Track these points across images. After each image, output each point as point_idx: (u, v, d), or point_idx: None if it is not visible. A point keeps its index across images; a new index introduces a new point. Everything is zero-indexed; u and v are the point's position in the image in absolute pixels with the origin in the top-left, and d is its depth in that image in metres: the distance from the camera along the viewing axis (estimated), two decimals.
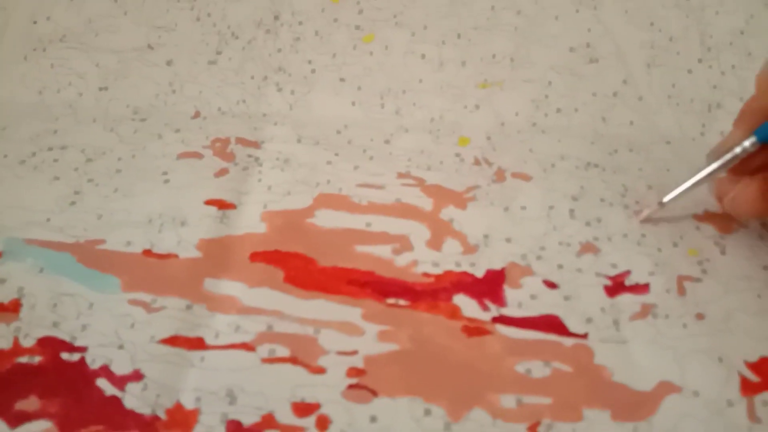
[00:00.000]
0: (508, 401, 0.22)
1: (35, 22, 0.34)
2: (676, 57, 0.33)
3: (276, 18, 0.33)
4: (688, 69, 0.32)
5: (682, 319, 0.24)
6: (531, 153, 0.30)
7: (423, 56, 0.33)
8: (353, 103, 0.32)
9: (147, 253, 0.25)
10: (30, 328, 0.23)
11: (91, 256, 0.25)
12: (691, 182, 0.26)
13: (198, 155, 0.29)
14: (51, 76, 0.32)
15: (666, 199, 0.26)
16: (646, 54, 0.33)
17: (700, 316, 0.24)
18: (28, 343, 0.22)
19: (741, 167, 0.25)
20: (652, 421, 0.21)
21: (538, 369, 0.22)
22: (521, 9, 0.33)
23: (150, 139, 0.30)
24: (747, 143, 0.24)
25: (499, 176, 0.29)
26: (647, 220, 0.27)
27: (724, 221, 0.27)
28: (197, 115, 0.31)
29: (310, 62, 0.33)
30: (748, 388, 0.22)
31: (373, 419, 0.21)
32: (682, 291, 0.25)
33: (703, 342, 0.23)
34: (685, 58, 0.33)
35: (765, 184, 0.24)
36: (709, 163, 0.25)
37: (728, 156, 0.25)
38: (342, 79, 0.32)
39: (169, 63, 0.33)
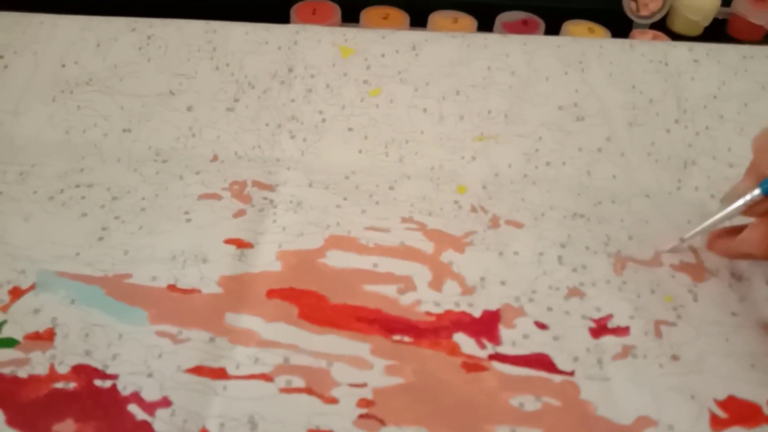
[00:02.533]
0: None
1: (64, 66, 0.36)
2: (655, 117, 0.36)
3: (290, 70, 0.36)
4: (666, 129, 0.35)
5: (658, 360, 0.26)
6: (523, 202, 0.33)
7: (425, 110, 0.35)
8: (360, 151, 0.34)
9: (171, 287, 0.27)
10: (64, 356, 0.25)
11: (119, 290, 0.27)
12: (709, 222, 0.29)
13: (217, 197, 0.31)
14: (77, 117, 0.35)
15: (686, 236, 0.30)
16: (628, 114, 0.36)
17: (674, 358, 0.27)
18: (63, 369, 0.24)
19: (750, 212, 0.28)
20: None
21: (530, 403, 0.25)
22: (515, 70, 0.36)
23: (172, 180, 0.32)
24: (755, 193, 0.27)
25: (494, 223, 0.32)
26: (673, 251, 0.30)
27: (697, 271, 0.30)
28: (215, 158, 0.34)
29: (320, 112, 0.35)
30: (717, 423, 0.25)
31: None
32: (658, 334, 0.27)
33: (677, 381, 0.26)
34: (663, 118, 0.35)
35: None
36: (723, 208, 0.28)
37: (738, 203, 0.28)
38: (350, 129, 0.35)
39: (189, 108, 0.35)
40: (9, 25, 0.37)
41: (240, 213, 0.31)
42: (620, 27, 0.43)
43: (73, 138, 0.34)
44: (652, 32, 0.43)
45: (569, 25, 0.42)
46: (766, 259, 0.29)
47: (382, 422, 0.24)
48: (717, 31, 0.45)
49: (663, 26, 0.45)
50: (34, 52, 0.36)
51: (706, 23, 0.44)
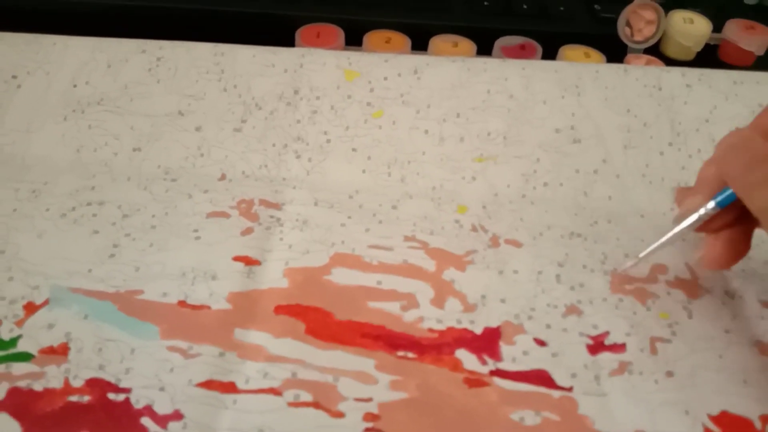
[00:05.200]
0: None
1: (75, 86, 0.37)
2: (649, 140, 0.37)
3: (296, 92, 0.37)
4: (659, 151, 0.37)
5: (654, 376, 0.27)
6: (521, 222, 0.34)
7: (426, 131, 0.36)
8: (363, 171, 0.35)
9: (182, 303, 0.28)
10: (78, 370, 0.25)
11: (131, 306, 0.28)
12: (663, 240, 0.29)
13: (225, 215, 0.32)
14: (88, 136, 0.35)
15: (642, 254, 0.30)
16: (623, 137, 0.37)
17: (669, 374, 0.27)
18: (77, 383, 0.25)
19: (704, 228, 0.28)
20: None
21: (530, 417, 0.26)
22: (513, 93, 0.37)
23: (181, 198, 0.33)
24: (709, 207, 0.27)
25: (494, 242, 0.33)
26: (625, 273, 0.31)
27: (692, 288, 0.31)
28: (223, 177, 0.34)
29: (325, 133, 0.36)
30: None
31: None
32: (654, 350, 0.28)
33: (672, 396, 0.27)
34: (657, 141, 0.37)
35: (728, 242, 0.27)
36: (675, 226, 0.29)
37: (693, 218, 0.28)
38: (354, 149, 0.36)
39: (197, 129, 0.36)
40: (22, 46, 0.38)
41: (247, 231, 0.32)
42: (615, 52, 0.44)
43: (84, 157, 0.35)
44: (646, 57, 0.44)
45: (566, 50, 0.43)
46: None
47: None
48: (709, 57, 0.46)
49: (657, 51, 0.46)
50: (47, 73, 0.37)
51: (698, 48, 0.46)
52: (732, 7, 0.49)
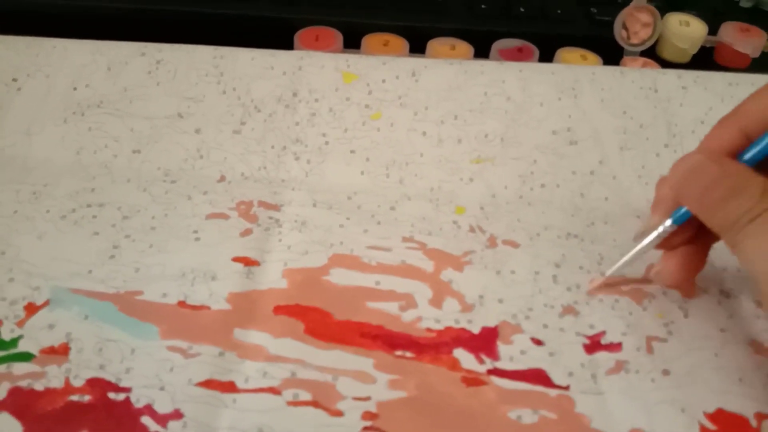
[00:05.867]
0: None
1: (75, 89, 0.37)
2: (645, 142, 0.37)
3: (294, 95, 0.37)
4: (656, 152, 0.37)
5: (650, 375, 0.28)
6: (519, 222, 0.34)
7: (424, 133, 0.37)
8: (362, 173, 0.36)
9: (182, 304, 0.28)
10: (79, 370, 0.26)
11: (131, 306, 0.28)
12: (624, 260, 0.30)
13: (225, 216, 0.33)
14: (88, 138, 0.36)
15: (608, 272, 0.31)
16: (619, 138, 0.37)
17: (665, 372, 0.28)
18: (77, 383, 0.25)
19: (664, 245, 0.29)
20: None
21: (527, 416, 0.26)
22: (510, 95, 0.38)
23: (180, 200, 0.33)
24: (667, 224, 0.28)
25: (492, 243, 0.33)
26: (595, 291, 0.31)
27: (687, 288, 0.32)
28: (222, 179, 0.35)
29: (324, 135, 0.36)
30: None
31: None
32: (650, 350, 0.29)
33: (668, 394, 0.27)
34: (653, 143, 0.37)
35: (683, 258, 0.29)
36: (636, 244, 0.29)
37: (652, 236, 0.28)
38: (352, 151, 0.36)
39: (197, 131, 0.36)
40: (22, 49, 0.38)
41: (247, 232, 0.32)
42: (612, 54, 0.44)
43: (84, 159, 0.35)
44: (642, 59, 0.45)
45: (563, 53, 0.43)
46: (678, 288, 0.31)
47: None
48: (705, 59, 0.47)
49: (653, 53, 0.46)
50: (47, 75, 0.37)
51: (694, 51, 0.46)
52: (727, 9, 0.50)
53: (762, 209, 0.23)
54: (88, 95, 0.37)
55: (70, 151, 0.35)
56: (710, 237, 0.28)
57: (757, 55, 0.46)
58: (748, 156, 0.26)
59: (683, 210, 0.27)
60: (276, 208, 0.33)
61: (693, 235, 0.28)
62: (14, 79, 0.37)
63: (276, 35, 0.41)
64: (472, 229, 0.33)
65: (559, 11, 0.47)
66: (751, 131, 0.26)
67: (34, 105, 0.36)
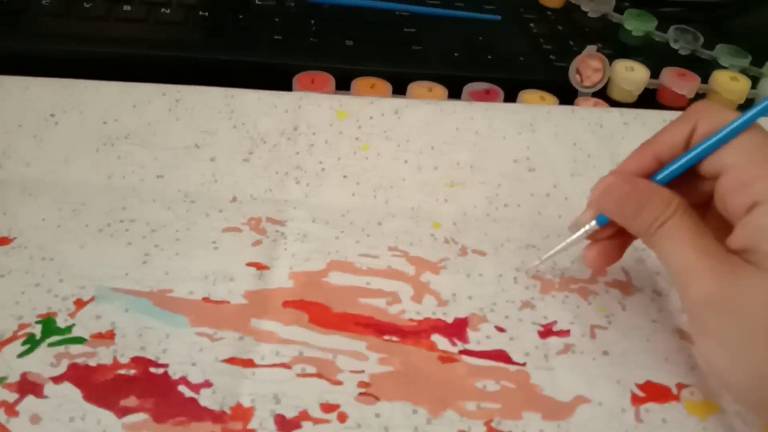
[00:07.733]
0: (470, 406, 0.31)
1: (105, 123, 0.42)
2: (592, 169, 0.43)
3: (295, 129, 0.43)
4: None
5: (592, 355, 0.34)
6: (486, 236, 0.40)
7: (406, 161, 0.43)
8: (353, 194, 0.41)
9: (206, 299, 0.34)
10: (124, 350, 0.31)
11: (164, 301, 0.34)
12: (560, 247, 0.35)
13: (238, 229, 0.38)
14: (118, 165, 0.41)
15: (543, 257, 0.37)
16: (570, 166, 0.43)
17: (605, 353, 0.34)
18: (123, 360, 0.31)
19: (591, 237, 0.34)
20: (570, 421, 0.31)
21: (491, 385, 0.32)
22: (478, 130, 0.44)
23: (199, 217, 0.39)
24: (592, 224, 0.33)
25: (463, 252, 0.39)
26: (534, 269, 0.37)
27: (626, 287, 0.38)
28: (235, 199, 0.41)
29: (320, 162, 0.42)
30: (636, 400, 0.32)
31: (377, 415, 0.30)
32: (593, 335, 0.35)
33: (606, 370, 0.33)
34: (599, 170, 0.42)
35: (602, 250, 0.34)
36: (571, 234, 0.35)
37: (580, 232, 0.34)
38: (345, 176, 0.42)
39: (212, 159, 0.42)
40: (59, 89, 0.43)
41: (257, 242, 0.38)
42: (567, 95, 0.51)
43: (114, 182, 0.41)
44: (593, 100, 0.51)
45: (524, 94, 0.50)
46: (600, 274, 0.37)
47: (377, 398, 0.30)
48: (648, 99, 0.53)
49: (604, 94, 0.53)
50: (81, 112, 0.43)
51: (639, 92, 0.53)
52: (667, 56, 0.57)
53: (667, 216, 0.29)
54: (117, 129, 0.42)
55: (103, 176, 0.41)
56: (629, 236, 0.33)
57: (692, 96, 0.53)
58: (660, 176, 0.32)
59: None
60: (281, 223, 0.39)
61: (616, 232, 0.34)
62: (52, 115, 0.43)
63: (277, 79, 0.47)
64: (446, 241, 0.40)
65: (521, 58, 0.54)
66: (663, 157, 0.32)
67: (71, 137, 0.42)
